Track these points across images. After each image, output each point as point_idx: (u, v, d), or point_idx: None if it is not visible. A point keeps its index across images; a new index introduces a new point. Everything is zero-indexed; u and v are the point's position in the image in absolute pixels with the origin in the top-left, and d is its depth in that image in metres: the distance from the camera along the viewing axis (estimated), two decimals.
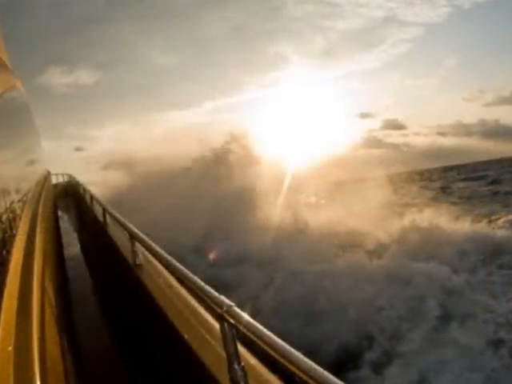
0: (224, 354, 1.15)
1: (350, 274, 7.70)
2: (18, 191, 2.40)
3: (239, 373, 1.12)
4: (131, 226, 2.48)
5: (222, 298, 1.19)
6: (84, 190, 6.67)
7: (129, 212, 5.25)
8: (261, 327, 1.01)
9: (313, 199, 16.03)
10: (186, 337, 1.50)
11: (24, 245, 1.85)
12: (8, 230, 1.75)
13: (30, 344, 1.01)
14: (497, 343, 5.35)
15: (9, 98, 2.61)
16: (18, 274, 1.44)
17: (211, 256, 9.98)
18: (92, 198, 5.19)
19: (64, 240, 5.71)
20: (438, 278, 7.22)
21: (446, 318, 6.18)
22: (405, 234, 10.19)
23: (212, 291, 1.25)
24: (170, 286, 1.96)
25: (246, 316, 1.08)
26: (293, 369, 0.86)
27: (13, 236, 1.82)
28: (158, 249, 1.91)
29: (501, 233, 9.97)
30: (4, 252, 1.54)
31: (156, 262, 2.21)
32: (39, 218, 2.85)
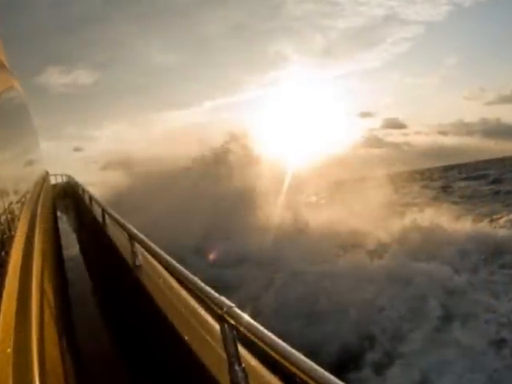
0: (224, 355, 1.14)
1: (350, 274, 7.69)
2: (16, 192, 2.39)
3: (240, 374, 1.11)
4: (131, 227, 2.48)
5: (223, 298, 1.18)
6: (83, 190, 6.67)
7: (128, 212, 5.24)
8: (261, 328, 1.01)
9: (313, 199, 16.05)
10: (186, 338, 1.50)
11: (23, 246, 1.85)
12: (7, 231, 1.74)
13: (29, 345, 1.01)
14: (499, 343, 5.34)
15: (7, 99, 2.61)
16: (17, 275, 1.44)
17: (211, 256, 9.97)
18: (91, 198, 5.18)
19: (63, 241, 5.71)
20: (439, 278, 7.21)
21: (447, 318, 6.16)
22: (406, 233, 10.19)
23: (212, 292, 1.24)
24: (170, 287, 1.96)
25: (246, 317, 1.07)
26: (294, 370, 0.86)
27: (11, 237, 1.81)
28: (157, 249, 1.91)
29: (502, 232, 9.97)
30: (3, 253, 1.53)
31: (156, 263, 2.21)
32: (38, 219, 2.84)
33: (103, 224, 3.76)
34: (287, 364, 0.88)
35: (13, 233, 1.88)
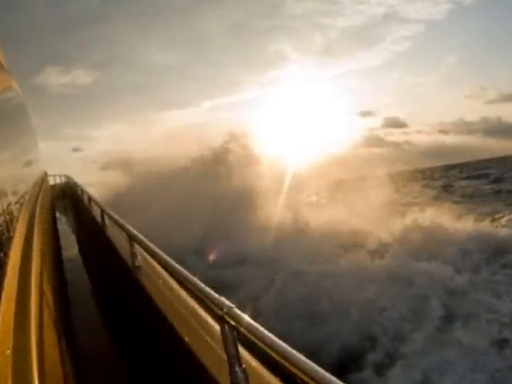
0: (225, 356, 1.14)
1: (351, 274, 7.67)
2: (14, 193, 2.39)
3: (240, 375, 1.11)
4: (130, 227, 2.47)
5: (223, 299, 1.18)
6: (82, 191, 6.66)
7: (127, 213, 5.22)
8: (262, 329, 1.00)
9: (313, 199, 16.03)
10: (186, 339, 1.49)
11: (21, 247, 1.84)
12: (5, 232, 1.73)
13: (28, 346, 1.01)
14: (501, 343, 5.32)
15: (5, 99, 2.61)
16: (16, 276, 1.43)
17: (211, 257, 9.96)
18: (90, 199, 5.18)
19: (62, 242, 5.70)
20: (440, 278, 7.20)
21: (449, 318, 6.15)
22: (407, 233, 10.17)
23: (212, 293, 1.24)
24: (170, 288, 1.95)
25: (246, 318, 1.07)
26: (294, 370, 0.86)
27: (10, 238, 1.80)
28: (157, 250, 1.90)
29: (504, 231, 9.96)
30: (1, 254, 1.52)
31: (155, 264, 2.20)
32: (37, 220, 2.83)
33: (102, 225, 3.75)
34: (288, 365, 0.87)
35: (11, 234, 1.87)
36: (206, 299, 1.25)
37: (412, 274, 7.44)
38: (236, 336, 1.10)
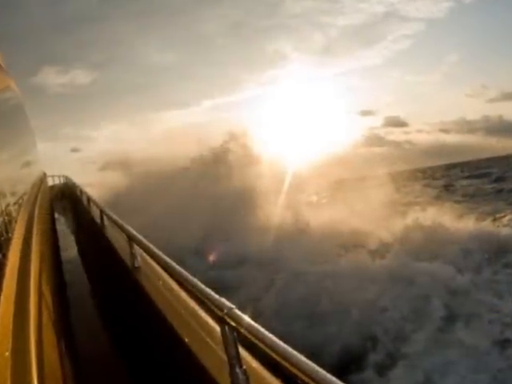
0: (225, 358, 1.13)
1: (352, 274, 7.66)
2: (13, 193, 2.38)
3: (241, 376, 1.10)
4: (129, 228, 2.46)
5: (223, 300, 1.17)
6: (81, 191, 6.65)
7: (127, 213, 5.21)
8: (262, 330, 1.00)
9: (314, 198, 16.01)
10: (186, 340, 1.49)
11: (20, 248, 1.83)
12: (4, 232, 1.72)
13: (27, 348, 1.01)
14: (503, 343, 5.31)
15: (3, 99, 2.60)
16: (15, 277, 1.43)
17: (211, 257, 9.95)
18: (89, 199, 5.16)
19: (61, 242, 5.69)
20: (442, 278, 7.18)
21: (450, 318, 6.13)
22: (408, 233, 10.16)
23: (212, 293, 1.23)
24: (170, 289, 1.94)
25: (247, 318, 1.06)
26: (295, 371, 0.85)
27: (9, 239, 1.79)
28: (156, 251, 1.89)
29: (505, 231, 9.95)
30: (0, 255, 1.51)
31: (155, 264, 2.19)
32: (35, 221, 2.83)
33: (101, 225, 3.74)
34: (288, 366, 0.87)
35: (10, 235, 1.87)
36: (206, 300, 1.24)
37: (413, 273, 7.43)
38: (236, 337, 1.09)
